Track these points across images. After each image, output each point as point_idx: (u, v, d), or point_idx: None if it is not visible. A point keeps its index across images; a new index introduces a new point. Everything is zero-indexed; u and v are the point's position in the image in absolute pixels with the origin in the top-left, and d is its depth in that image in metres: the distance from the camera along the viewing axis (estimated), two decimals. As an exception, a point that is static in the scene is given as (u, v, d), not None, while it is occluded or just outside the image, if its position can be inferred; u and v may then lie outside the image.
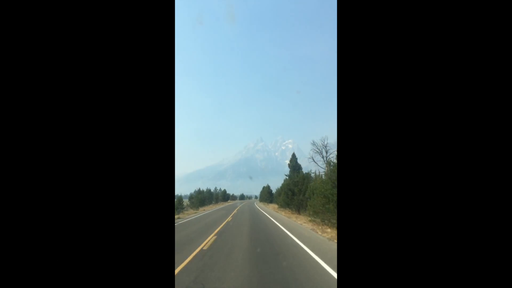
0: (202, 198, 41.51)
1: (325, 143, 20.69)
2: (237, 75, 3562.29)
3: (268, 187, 56.18)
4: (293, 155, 39.97)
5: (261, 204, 45.71)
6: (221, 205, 43.10)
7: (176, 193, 41.14)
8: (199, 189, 43.78)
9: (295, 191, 19.45)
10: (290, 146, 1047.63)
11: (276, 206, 33.70)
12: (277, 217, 15.45)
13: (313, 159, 20.45)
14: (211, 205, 42.03)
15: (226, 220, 13.50)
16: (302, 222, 12.07)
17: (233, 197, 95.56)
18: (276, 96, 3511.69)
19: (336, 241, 6.48)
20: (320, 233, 8.46)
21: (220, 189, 69.82)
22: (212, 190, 64.14)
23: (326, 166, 11.69)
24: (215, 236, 7.94)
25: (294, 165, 38.42)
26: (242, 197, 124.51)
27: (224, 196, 67.32)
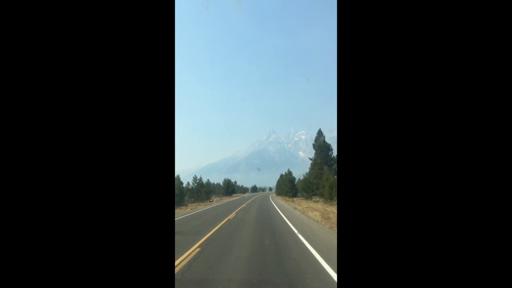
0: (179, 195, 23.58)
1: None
2: (247, 65, 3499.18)
3: (290, 174, 37.78)
4: (319, 132, 31.46)
5: (281, 201, 27.59)
6: (205, 207, 20.67)
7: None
8: (177, 176, 26.26)
9: None
10: (303, 137, 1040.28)
11: (324, 207, 15.40)
12: None
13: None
14: (186, 208, 20.86)
15: None
16: None
17: (243, 190, 77.70)
18: (288, 87, 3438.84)
19: None
20: None
21: (232, 180, 52.47)
22: (210, 181, 46.64)
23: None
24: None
25: (322, 145, 30.06)
26: (254, 189, 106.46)
27: (228, 189, 49.36)
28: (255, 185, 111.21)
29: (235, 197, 42.87)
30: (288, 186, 35.94)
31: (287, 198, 32.11)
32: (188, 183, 30.82)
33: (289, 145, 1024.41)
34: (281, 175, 47.44)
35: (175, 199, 22.64)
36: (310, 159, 31.24)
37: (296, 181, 37.61)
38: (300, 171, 36.17)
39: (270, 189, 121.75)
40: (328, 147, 29.02)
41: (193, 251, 5.00)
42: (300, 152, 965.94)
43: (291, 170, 45.93)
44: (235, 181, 78.68)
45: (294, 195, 35.76)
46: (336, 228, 7.02)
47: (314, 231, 7.13)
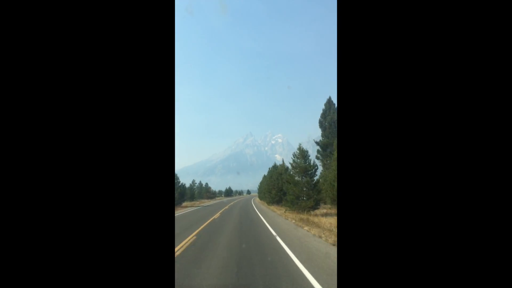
0: None
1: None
2: (226, 69, 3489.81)
3: (304, 154, 16.22)
4: (329, 103, 24.30)
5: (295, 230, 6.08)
6: None
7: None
8: None
9: None
10: (279, 140, 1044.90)
11: None
12: None
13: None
14: None
15: None
16: None
17: (210, 194, 55.11)
18: (266, 91, 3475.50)
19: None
20: None
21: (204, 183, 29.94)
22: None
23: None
24: None
25: (336, 119, 21.66)
26: (228, 192, 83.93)
27: (181, 195, 26.65)
28: (229, 188, 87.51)
29: (182, 211, 20.78)
30: (300, 186, 14.66)
31: (310, 220, 10.74)
32: None
33: (266, 148, 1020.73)
34: (276, 166, 26.21)
35: None
36: (317, 142, 22.85)
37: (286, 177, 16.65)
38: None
39: (249, 192, 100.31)
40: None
41: None
42: (277, 155, 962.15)
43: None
44: (207, 183, 55.99)
45: (317, 204, 14.59)
46: None
47: None
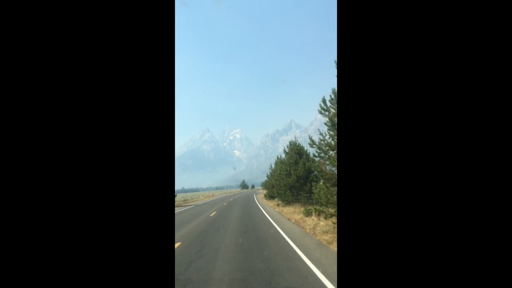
0: None
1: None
2: (183, 58, 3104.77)
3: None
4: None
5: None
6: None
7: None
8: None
9: None
10: (237, 136, 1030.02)
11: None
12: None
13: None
14: None
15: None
16: None
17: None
18: (223, 83, 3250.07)
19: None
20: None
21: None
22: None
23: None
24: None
25: None
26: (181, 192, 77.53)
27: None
28: (183, 188, 55.02)
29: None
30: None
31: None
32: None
33: (224, 144, 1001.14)
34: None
35: None
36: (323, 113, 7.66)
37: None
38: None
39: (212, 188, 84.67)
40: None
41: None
42: (235, 151, 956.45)
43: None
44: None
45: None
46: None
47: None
